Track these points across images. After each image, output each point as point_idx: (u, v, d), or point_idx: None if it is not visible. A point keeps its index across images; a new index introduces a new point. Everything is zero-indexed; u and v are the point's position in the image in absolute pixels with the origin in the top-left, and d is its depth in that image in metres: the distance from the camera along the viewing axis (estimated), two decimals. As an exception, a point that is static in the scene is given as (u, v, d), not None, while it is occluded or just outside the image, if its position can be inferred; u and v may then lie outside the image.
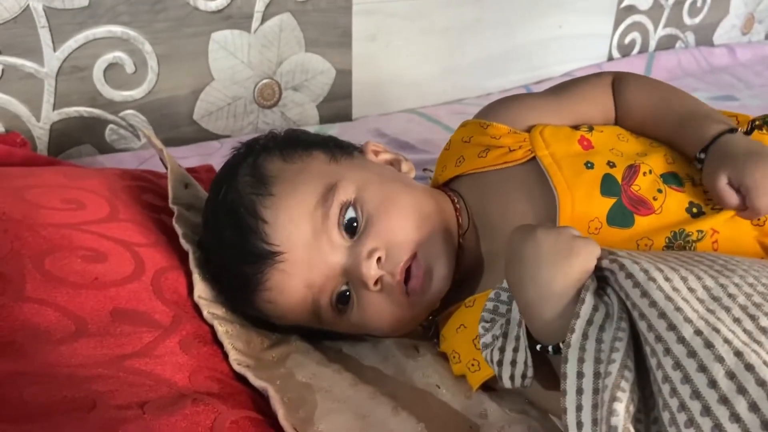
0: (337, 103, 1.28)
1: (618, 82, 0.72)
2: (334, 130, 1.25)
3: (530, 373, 0.51)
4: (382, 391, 0.59)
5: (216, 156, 1.12)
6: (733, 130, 0.61)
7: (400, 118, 1.30)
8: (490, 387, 0.61)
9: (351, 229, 0.61)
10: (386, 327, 0.63)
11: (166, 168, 0.76)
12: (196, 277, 0.64)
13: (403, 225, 0.61)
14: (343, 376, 0.59)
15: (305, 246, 0.60)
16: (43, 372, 0.48)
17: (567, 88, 0.73)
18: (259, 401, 0.55)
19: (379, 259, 0.60)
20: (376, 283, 0.60)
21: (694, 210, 0.60)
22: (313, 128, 1.25)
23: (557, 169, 0.62)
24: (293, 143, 0.68)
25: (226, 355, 0.58)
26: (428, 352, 0.65)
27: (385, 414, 0.54)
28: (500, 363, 0.52)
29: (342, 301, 0.62)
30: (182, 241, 0.67)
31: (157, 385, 0.50)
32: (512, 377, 0.51)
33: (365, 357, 0.66)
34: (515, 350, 0.51)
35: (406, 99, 1.35)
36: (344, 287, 0.62)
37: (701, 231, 0.59)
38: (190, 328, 0.58)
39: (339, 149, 0.68)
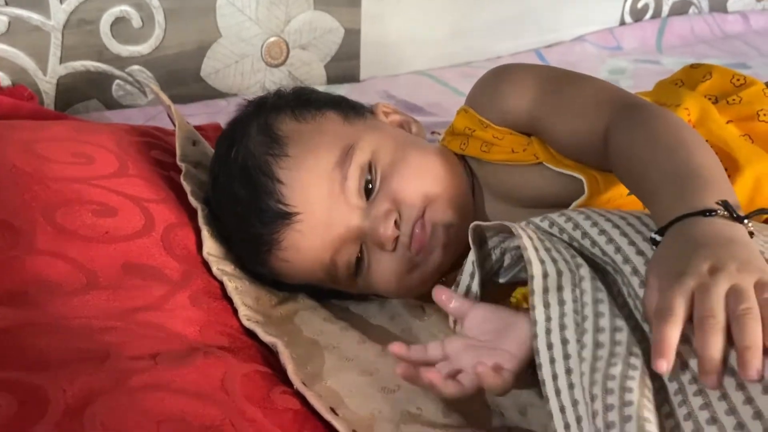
0: (345, 63, 1.27)
1: (614, 127, 0.57)
2: (341, 90, 1.24)
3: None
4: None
5: (223, 114, 1.11)
6: (707, 212, 0.44)
7: (408, 79, 1.29)
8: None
9: (366, 190, 0.62)
10: (395, 288, 0.64)
11: (174, 125, 0.76)
12: (205, 234, 0.64)
13: (415, 185, 0.62)
14: (350, 333, 0.60)
15: (323, 207, 0.60)
16: (56, 323, 0.48)
17: (569, 93, 0.62)
18: (269, 356, 0.55)
19: (395, 221, 0.60)
20: (392, 244, 0.61)
21: None
22: (320, 89, 1.24)
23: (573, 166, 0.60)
24: (304, 102, 0.67)
25: (235, 311, 0.59)
26: (434, 313, 0.66)
27: (393, 370, 0.54)
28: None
29: (356, 265, 0.63)
30: (191, 198, 0.67)
31: (169, 338, 0.51)
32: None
33: (372, 316, 0.67)
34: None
35: (415, 60, 1.33)
36: (359, 253, 0.62)
37: None
38: (200, 284, 0.59)
39: (351, 110, 0.68)
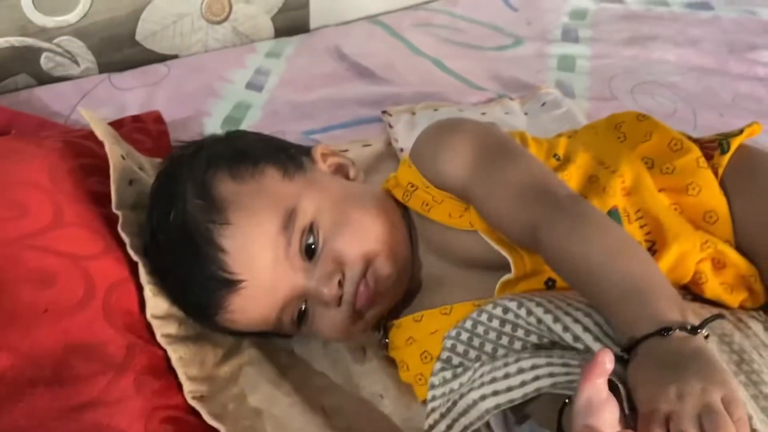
0: (293, 14, 1.20)
1: (544, 228, 0.57)
2: (290, 45, 1.18)
3: None
4: (330, 404, 0.65)
5: (163, 84, 1.07)
6: (664, 331, 0.47)
7: (360, 30, 1.23)
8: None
9: (309, 251, 0.63)
10: (338, 337, 0.68)
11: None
12: (148, 294, 0.65)
13: (357, 246, 0.63)
14: (293, 400, 0.63)
15: (267, 273, 0.62)
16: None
17: (498, 177, 0.61)
18: (214, 430, 0.59)
19: (339, 281, 0.62)
20: (336, 302, 0.63)
21: None
22: (267, 44, 1.18)
23: (498, 243, 0.62)
24: (241, 156, 0.66)
25: (180, 385, 0.61)
26: (375, 357, 0.70)
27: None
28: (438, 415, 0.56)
29: (300, 317, 0.65)
30: (130, 251, 0.67)
31: (116, 443, 0.53)
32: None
33: (316, 360, 0.70)
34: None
35: (366, 5, 1.26)
36: (303, 306, 0.65)
37: None
38: (144, 360, 0.61)
39: (290, 161, 0.67)
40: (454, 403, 0.55)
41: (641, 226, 0.62)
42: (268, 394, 0.64)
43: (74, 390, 0.56)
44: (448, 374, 0.58)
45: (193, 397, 0.60)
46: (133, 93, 1.04)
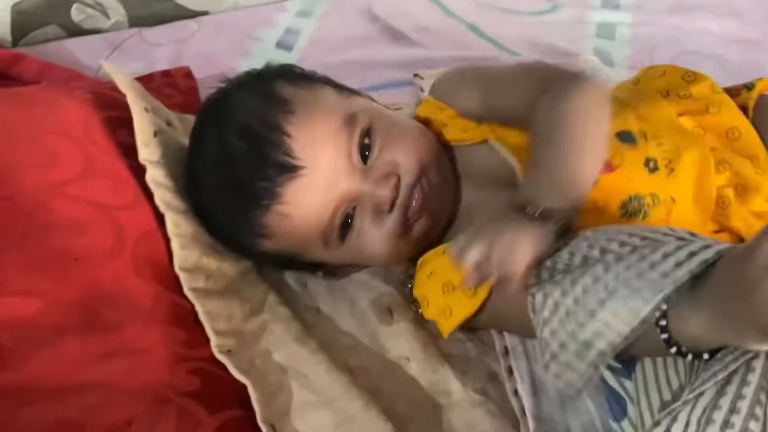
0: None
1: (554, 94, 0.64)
2: (322, 5, 1.16)
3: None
4: (356, 364, 0.64)
5: (193, 40, 1.06)
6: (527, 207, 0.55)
7: (395, -10, 1.20)
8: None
9: (364, 155, 0.64)
10: (385, 251, 0.66)
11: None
12: (176, 246, 0.64)
13: (413, 152, 0.65)
14: (319, 358, 0.63)
15: (329, 164, 0.62)
16: (33, 387, 0.51)
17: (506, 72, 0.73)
18: (239, 389, 0.58)
19: (394, 183, 0.63)
20: (389, 206, 0.63)
21: (651, 164, 0.63)
22: (298, 2, 1.16)
23: (510, 149, 0.67)
24: (296, 74, 0.69)
25: (207, 336, 0.61)
26: (402, 319, 0.69)
27: (357, 410, 0.59)
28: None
29: (345, 225, 0.64)
30: (158, 203, 0.66)
31: (143, 391, 0.53)
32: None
33: (342, 320, 0.70)
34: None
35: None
36: (350, 211, 0.64)
37: (656, 196, 0.62)
38: (171, 311, 0.61)
39: (344, 88, 0.70)
40: (581, 325, 0.48)
41: (658, 144, 0.65)
42: (294, 351, 0.63)
43: (102, 338, 0.56)
44: (556, 294, 0.51)
45: (220, 351, 0.60)
46: (163, 48, 1.03)
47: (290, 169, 0.61)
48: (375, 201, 0.63)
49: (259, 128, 0.62)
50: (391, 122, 0.67)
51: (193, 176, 0.68)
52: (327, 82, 0.70)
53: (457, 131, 0.70)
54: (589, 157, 0.59)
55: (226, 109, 0.66)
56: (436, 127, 0.72)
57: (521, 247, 0.52)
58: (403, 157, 0.64)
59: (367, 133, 0.64)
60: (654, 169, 0.63)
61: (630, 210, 0.62)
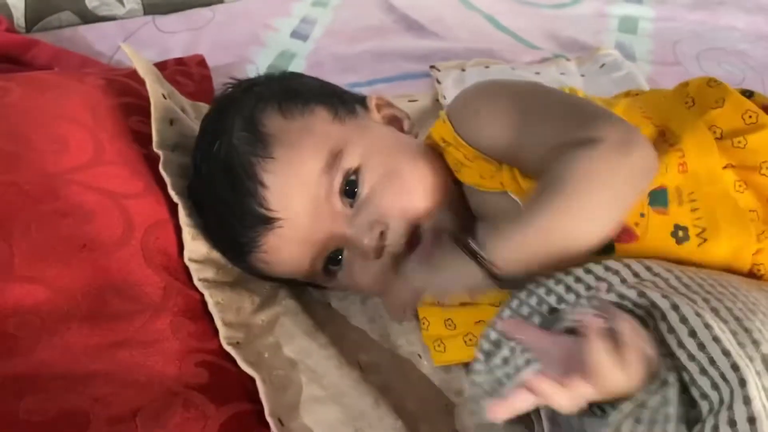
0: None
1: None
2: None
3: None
4: (366, 360, 0.63)
5: (207, 29, 1.05)
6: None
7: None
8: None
9: (351, 194, 0.60)
10: (376, 290, 0.65)
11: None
12: (187, 237, 0.63)
13: (406, 200, 0.60)
14: (329, 353, 0.61)
15: (306, 214, 0.59)
16: (38, 373, 0.50)
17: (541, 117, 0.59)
18: (247, 383, 0.57)
19: (381, 232, 0.59)
20: (376, 253, 0.60)
21: (680, 234, 0.55)
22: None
23: None
24: (293, 94, 0.64)
25: (216, 330, 0.60)
26: (414, 317, 0.67)
27: (366, 406, 0.57)
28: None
29: (333, 263, 0.63)
30: (171, 193, 0.65)
31: (149, 383, 0.52)
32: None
33: (353, 315, 0.68)
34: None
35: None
36: (340, 256, 0.62)
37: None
38: (181, 302, 0.59)
39: (342, 105, 0.64)
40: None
41: (692, 210, 0.56)
42: (304, 345, 0.62)
43: (109, 327, 0.55)
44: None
45: (229, 343, 0.59)
46: (177, 37, 1.02)
47: (266, 221, 0.59)
48: (358, 248, 0.60)
49: (239, 171, 0.59)
50: (390, 162, 0.61)
51: (192, 192, 0.66)
52: (327, 98, 0.64)
53: (473, 174, 0.62)
54: (577, 230, 0.51)
55: (218, 132, 0.62)
56: (449, 161, 0.64)
57: (453, 287, 0.53)
58: (394, 202, 0.59)
59: (354, 171, 0.60)
60: (683, 239, 0.54)
61: None
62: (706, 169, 0.57)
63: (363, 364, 0.63)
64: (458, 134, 0.61)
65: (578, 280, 0.50)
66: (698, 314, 0.46)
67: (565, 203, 0.51)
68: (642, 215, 0.55)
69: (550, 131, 0.56)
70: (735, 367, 0.44)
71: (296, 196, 0.59)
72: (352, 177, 0.60)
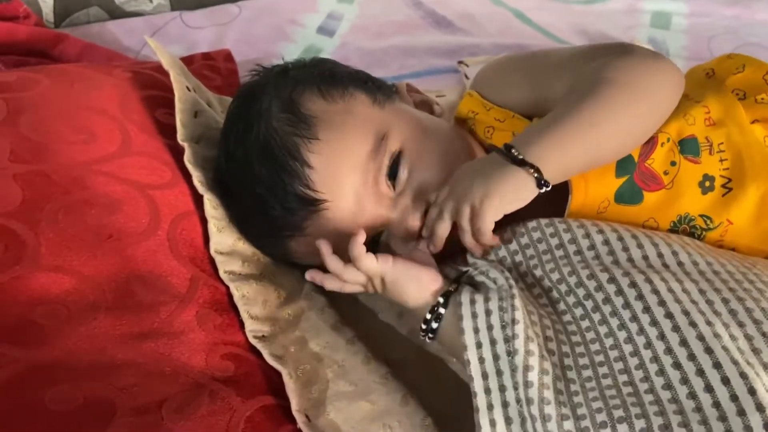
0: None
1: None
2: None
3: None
4: (394, 357, 0.61)
5: (234, 25, 1.04)
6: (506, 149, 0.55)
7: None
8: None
9: (392, 177, 0.61)
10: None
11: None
12: (212, 229, 0.63)
13: (443, 178, 0.60)
14: (356, 348, 0.60)
15: (353, 197, 0.59)
16: (64, 363, 0.49)
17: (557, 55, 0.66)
18: (274, 377, 0.56)
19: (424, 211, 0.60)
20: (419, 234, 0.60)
21: (707, 184, 0.58)
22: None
23: None
24: (330, 78, 0.64)
25: (242, 322, 0.59)
26: (442, 312, 0.65)
27: (394, 403, 0.56)
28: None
29: (373, 243, 0.61)
30: (197, 184, 0.64)
31: (175, 374, 0.52)
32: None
33: (381, 311, 0.67)
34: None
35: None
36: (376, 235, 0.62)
37: (709, 219, 0.57)
38: (207, 294, 0.59)
39: (378, 90, 0.65)
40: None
41: (721, 160, 0.58)
42: (330, 340, 0.61)
43: (136, 318, 0.54)
44: None
45: (255, 337, 0.58)
46: (204, 32, 1.02)
47: (311, 203, 0.58)
48: (402, 231, 0.60)
49: (279, 153, 0.58)
50: (427, 142, 0.62)
51: (222, 180, 0.65)
52: (363, 83, 0.65)
53: (506, 135, 0.63)
54: (605, 137, 0.55)
55: (253, 116, 0.61)
56: (479, 132, 0.67)
57: (492, 199, 0.53)
58: (434, 182, 0.60)
59: (398, 155, 0.60)
60: (708, 189, 0.57)
61: (681, 232, 0.58)
62: (735, 122, 0.59)
63: (390, 361, 0.62)
64: (488, 100, 0.65)
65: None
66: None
67: (609, 102, 0.55)
68: (673, 164, 0.58)
69: (571, 62, 0.61)
70: None
71: (344, 178, 0.59)
72: (396, 166, 0.60)
